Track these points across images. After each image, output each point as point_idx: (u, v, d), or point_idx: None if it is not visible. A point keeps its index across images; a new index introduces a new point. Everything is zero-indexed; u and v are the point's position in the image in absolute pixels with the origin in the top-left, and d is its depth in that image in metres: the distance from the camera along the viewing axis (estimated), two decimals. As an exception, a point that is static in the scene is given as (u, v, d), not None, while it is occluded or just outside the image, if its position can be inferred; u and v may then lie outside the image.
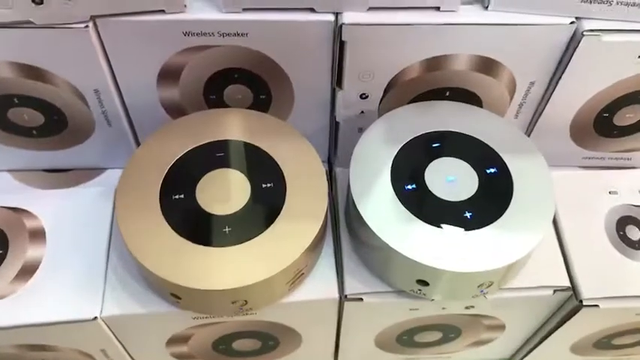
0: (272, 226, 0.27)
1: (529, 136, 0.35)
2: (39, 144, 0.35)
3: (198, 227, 0.27)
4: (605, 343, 0.36)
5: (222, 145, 0.30)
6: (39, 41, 0.28)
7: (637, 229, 0.33)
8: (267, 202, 0.28)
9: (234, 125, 0.31)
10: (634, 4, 0.28)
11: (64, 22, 0.28)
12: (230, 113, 0.32)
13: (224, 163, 0.29)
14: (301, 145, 0.30)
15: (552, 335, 0.34)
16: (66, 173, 0.37)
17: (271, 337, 0.33)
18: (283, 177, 0.29)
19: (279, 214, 0.27)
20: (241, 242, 0.27)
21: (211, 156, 0.30)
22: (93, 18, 0.28)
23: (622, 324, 0.33)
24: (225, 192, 0.28)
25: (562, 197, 0.33)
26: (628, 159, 0.38)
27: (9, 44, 0.29)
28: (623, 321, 0.32)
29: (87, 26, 0.28)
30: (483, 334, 0.35)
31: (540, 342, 0.35)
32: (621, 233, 0.32)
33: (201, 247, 0.26)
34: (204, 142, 0.30)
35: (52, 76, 0.30)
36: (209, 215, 0.27)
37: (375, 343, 0.36)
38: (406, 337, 0.35)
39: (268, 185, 0.28)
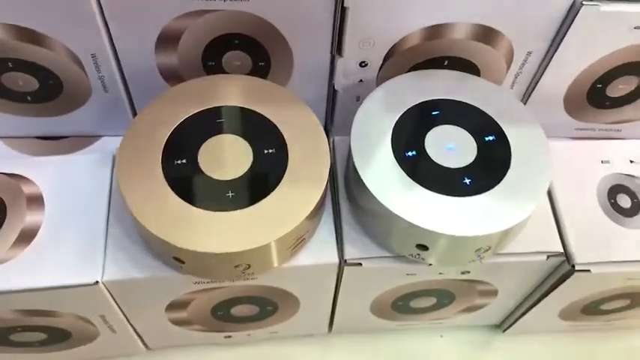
0: (275, 191, 0.27)
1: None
2: (34, 110, 0.35)
3: (201, 192, 0.27)
4: (592, 308, 0.37)
5: (223, 111, 0.30)
6: (35, 2, 0.28)
7: (628, 197, 0.33)
8: (269, 168, 0.28)
9: (234, 91, 0.31)
10: (632, -26, 0.29)
11: (61, -17, 0.27)
12: (230, 79, 0.32)
13: (225, 129, 0.29)
14: (302, 110, 0.30)
15: (543, 301, 0.35)
16: (61, 140, 0.37)
17: (270, 303, 0.34)
18: (285, 143, 0.29)
19: (281, 179, 0.28)
20: (244, 207, 0.27)
21: (212, 122, 0.29)
22: (91, -22, 0.27)
23: (612, 289, 0.34)
24: (228, 157, 0.28)
25: (556, 167, 0.34)
26: (618, 130, 0.38)
27: (4, 5, 0.28)
28: (614, 286, 0.33)
29: (85, -13, 0.27)
30: (476, 300, 0.36)
31: (530, 307, 0.36)
32: (612, 201, 0.33)
33: (204, 211, 0.27)
34: (204, 108, 0.30)
35: (48, 39, 0.30)
36: (212, 180, 0.28)
37: (371, 309, 0.36)
38: (401, 303, 0.36)
39: (270, 151, 0.29)
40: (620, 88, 0.35)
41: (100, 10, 0.29)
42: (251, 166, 0.28)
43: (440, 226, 0.27)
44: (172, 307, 0.33)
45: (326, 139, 0.29)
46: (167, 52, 0.32)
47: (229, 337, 0.38)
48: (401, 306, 0.36)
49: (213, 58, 0.33)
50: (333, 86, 0.34)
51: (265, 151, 0.29)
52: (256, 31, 0.31)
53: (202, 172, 0.28)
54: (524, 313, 0.37)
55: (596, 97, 0.35)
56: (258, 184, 0.28)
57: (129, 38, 0.31)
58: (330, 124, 0.37)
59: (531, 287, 0.35)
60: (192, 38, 0.31)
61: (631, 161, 0.35)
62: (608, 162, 0.34)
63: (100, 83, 0.33)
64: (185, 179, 0.28)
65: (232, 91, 0.31)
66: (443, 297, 0.35)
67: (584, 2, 0.29)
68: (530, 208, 0.27)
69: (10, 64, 0.31)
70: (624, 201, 0.33)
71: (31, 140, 0.37)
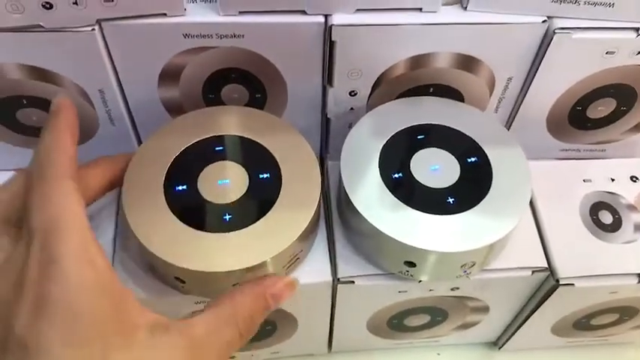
0: (269, 213, 0.29)
1: (509, 129, 0.38)
2: (45, 143, 0.37)
3: (200, 215, 0.29)
4: (584, 323, 0.38)
5: (221, 140, 0.32)
6: (47, 44, 0.30)
7: (609, 213, 0.35)
8: (264, 192, 0.30)
9: (230, 121, 0.33)
10: (600, 4, 0.31)
11: (71, 26, 0.29)
12: (227, 110, 0.34)
13: (223, 156, 0.31)
14: (294, 137, 0.32)
15: (533, 316, 0.36)
16: (71, 171, 0.39)
17: (269, 322, 0.35)
18: (279, 168, 0.31)
19: (275, 202, 0.29)
20: (241, 228, 0.29)
21: (211, 150, 0.32)
22: (99, 21, 0.30)
23: (597, 303, 0.35)
24: (225, 183, 0.30)
25: (540, 186, 0.35)
26: (602, 150, 0.40)
27: (19, 47, 0.30)
28: (598, 300, 0.35)
29: (93, 29, 0.30)
30: (469, 317, 0.37)
31: (522, 323, 0.37)
32: (595, 217, 0.35)
33: (203, 233, 0.28)
34: (203, 138, 0.32)
35: (59, 77, 0.32)
36: (210, 204, 0.29)
37: (368, 327, 0.38)
38: (396, 321, 0.37)
39: (265, 176, 0.30)
40: (599, 109, 0.36)
41: (106, 49, 0.31)
42: (247, 191, 0.30)
43: (426, 243, 0.28)
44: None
45: (317, 163, 0.31)
46: (170, 87, 0.34)
47: (233, 357, 0.40)
48: (396, 324, 0.37)
49: (212, 91, 0.35)
50: (326, 114, 0.36)
51: (260, 176, 0.30)
52: (252, 65, 0.33)
53: (201, 197, 0.30)
54: (517, 330, 0.39)
55: (577, 119, 0.37)
56: (253, 206, 0.29)
57: (134, 75, 0.33)
58: (325, 151, 0.39)
59: (521, 303, 0.36)
60: (192, 73, 0.33)
61: (612, 179, 0.36)
62: (590, 180, 0.36)
63: (107, 117, 0.35)
64: (185, 204, 0.29)
65: (229, 121, 0.33)
66: (436, 314, 0.37)
67: (556, 30, 0.31)
68: (511, 224, 0.29)
69: (24, 101, 0.34)
70: (606, 217, 0.35)
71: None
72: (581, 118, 0.37)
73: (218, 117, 0.33)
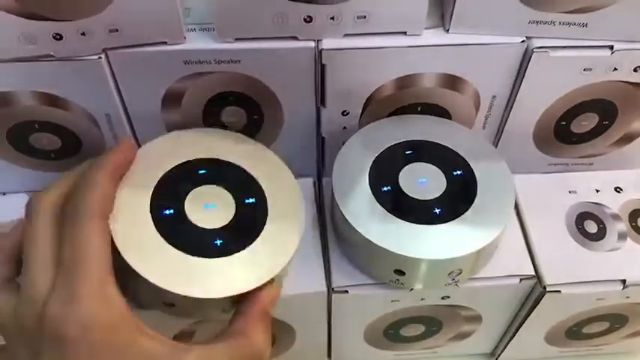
0: (259, 237, 0.30)
1: (497, 145, 0.39)
2: (56, 166, 0.39)
3: (190, 240, 0.29)
4: (575, 331, 0.39)
5: (204, 164, 0.32)
6: (58, 72, 0.32)
7: (594, 223, 0.36)
8: (251, 216, 0.31)
9: (214, 144, 0.33)
10: (574, 24, 0.32)
11: (79, 55, 0.32)
12: (209, 133, 0.34)
13: (208, 180, 0.32)
14: (277, 163, 0.33)
15: (525, 324, 0.37)
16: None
17: (268, 333, 0.37)
18: (263, 192, 0.32)
19: (263, 226, 0.30)
20: (232, 253, 0.29)
21: (195, 173, 0.32)
22: (105, 50, 0.32)
23: (586, 310, 0.36)
24: (213, 207, 0.31)
25: (527, 198, 0.37)
26: (590, 164, 0.41)
27: (32, 75, 0.33)
28: (586, 307, 0.36)
29: (100, 57, 0.32)
30: (463, 327, 0.39)
31: (515, 332, 0.38)
32: (580, 227, 0.36)
33: (194, 258, 0.29)
34: (185, 161, 0.32)
35: (68, 103, 0.34)
36: (199, 229, 0.30)
37: (365, 338, 0.39)
38: (392, 332, 0.38)
39: (251, 201, 0.31)
40: (583, 124, 0.38)
41: (112, 76, 0.33)
42: (235, 215, 0.30)
43: (413, 251, 0.30)
44: (178, 338, 0.36)
45: (298, 188, 0.32)
46: (172, 110, 0.36)
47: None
48: (392, 334, 0.39)
49: (212, 114, 0.37)
50: (321, 134, 0.38)
51: (246, 201, 0.31)
52: (249, 88, 0.35)
53: (190, 222, 0.30)
54: (511, 339, 0.39)
55: (562, 133, 0.39)
56: (244, 231, 0.30)
57: (138, 99, 0.35)
58: (321, 167, 0.41)
59: (512, 312, 0.37)
60: (193, 97, 0.36)
61: (597, 190, 0.38)
62: (575, 192, 0.37)
63: (114, 140, 0.37)
64: (174, 229, 0.29)
65: (212, 144, 0.33)
66: (430, 324, 0.38)
67: (534, 50, 0.33)
68: (495, 232, 0.30)
69: (36, 126, 0.36)
70: (591, 226, 0.36)
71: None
72: (566, 133, 0.39)
73: (200, 139, 0.34)
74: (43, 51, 0.31)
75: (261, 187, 0.32)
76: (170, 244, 0.29)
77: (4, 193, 0.41)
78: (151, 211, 0.30)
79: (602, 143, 0.40)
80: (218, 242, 0.29)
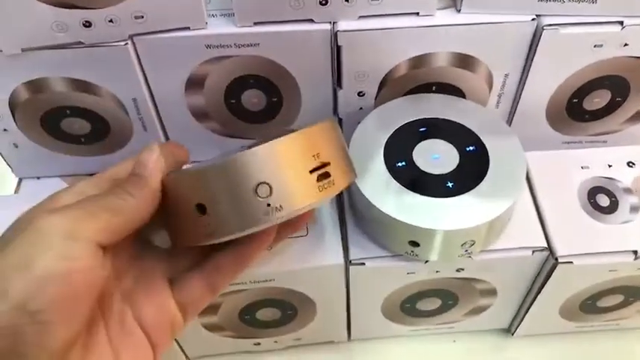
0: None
1: (510, 123, 0.40)
2: (86, 150, 0.41)
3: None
4: (590, 305, 0.39)
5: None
6: (87, 58, 0.34)
7: (606, 196, 0.37)
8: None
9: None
10: (583, 1, 0.33)
11: (107, 41, 0.34)
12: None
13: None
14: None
15: (539, 297, 0.38)
16: (109, 175, 0.43)
17: (290, 306, 0.38)
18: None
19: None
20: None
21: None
22: (131, 37, 0.34)
23: (599, 282, 0.37)
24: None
25: (539, 173, 0.38)
26: (604, 142, 0.42)
27: (63, 62, 0.35)
28: (599, 278, 0.36)
29: (126, 44, 0.34)
30: (479, 300, 0.39)
31: (529, 307, 0.39)
32: (592, 201, 0.36)
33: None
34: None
35: (97, 88, 0.36)
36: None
37: (383, 312, 0.40)
38: (409, 305, 0.39)
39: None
40: (595, 101, 0.39)
41: (138, 61, 0.35)
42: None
43: (426, 222, 0.31)
44: (203, 310, 0.37)
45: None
46: (195, 94, 0.38)
47: (258, 344, 0.43)
48: (409, 308, 0.40)
49: (233, 97, 0.38)
50: (338, 114, 0.39)
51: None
52: (268, 71, 0.37)
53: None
54: (526, 313, 0.40)
55: (575, 111, 0.39)
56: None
57: (163, 84, 0.37)
58: (339, 150, 0.42)
59: (526, 285, 0.38)
60: (215, 80, 0.37)
61: (609, 165, 0.38)
62: (587, 167, 0.38)
63: (141, 124, 0.39)
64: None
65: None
66: (447, 298, 0.39)
67: (545, 27, 0.34)
68: (506, 204, 0.31)
69: (68, 111, 0.38)
70: (603, 200, 0.37)
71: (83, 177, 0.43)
72: (578, 110, 0.39)
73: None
74: (73, 38, 0.33)
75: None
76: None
77: (38, 177, 0.43)
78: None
79: (616, 120, 0.40)
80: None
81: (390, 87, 0.38)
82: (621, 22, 0.34)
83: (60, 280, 0.22)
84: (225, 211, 0.25)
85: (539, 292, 0.37)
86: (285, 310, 0.39)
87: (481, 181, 0.32)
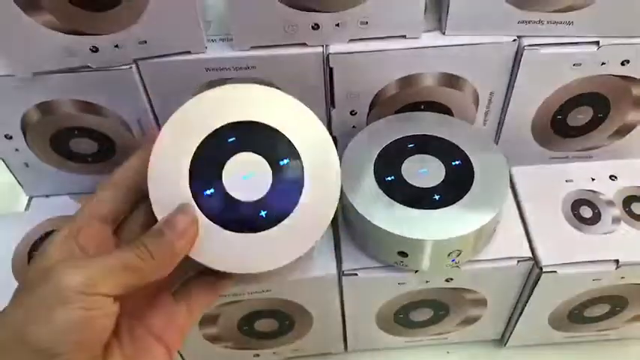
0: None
1: (498, 139, 0.42)
2: (93, 169, 0.43)
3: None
4: (578, 315, 0.40)
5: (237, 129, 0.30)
6: (94, 81, 0.36)
7: (589, 208, 0.38)
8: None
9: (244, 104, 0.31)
10: (561, 22, 0.35)
11: (113, 65, 0.36)
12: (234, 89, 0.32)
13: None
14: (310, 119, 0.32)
15: (527, 307, 0.39)
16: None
17: (287, 317, 0.40)
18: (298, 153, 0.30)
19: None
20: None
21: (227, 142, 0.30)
22: (135, 60, 0.36)
23: (584, 291, 0.38)
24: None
25: (525, 187, 0.39)
26: (589, 157, 0.43)
27: (72, 85, 0.37)
28: (583, 288, 0.37)
29: (131, 67, 0.36)
30: (469, 311, 0.41)
31: (519, 316, 0.40)
32: (576, 213, 0.38)
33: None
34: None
35: (104, 109, 0.38)
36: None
37: (377, 324, 0.41)
38: (402, 316, 0.41)
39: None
40: (579, 117, 0.40)
41: (142, 84, 0.37)
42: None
43: (413, 233, 0.33)
44: (204, 321, 0.39)
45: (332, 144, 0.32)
46: (196, 114, 0.40)
47: (257, 355, 0.44)
48: (403, 319, 0.41)
49: (232, 117, 0.40)
50: (333, 133, 0.41)
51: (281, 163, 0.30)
52: (264, 92, 0.39)
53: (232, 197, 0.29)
54: (516, 323, 0.41)
55: (560, 127, 0.41)
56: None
57: (166, 105, 0.39)
58: (334, 166, 0.44)
59: (514, 295, 0.39)
60: (214, 101, 0.39)
61: (592, 179, 0.40)
62: (572, 180, 0.40)
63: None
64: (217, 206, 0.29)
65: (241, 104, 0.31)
66: (438, 308, 0.40)
67: (525, 47, 0.36)
68: (489, 216, 0.33)
69: (76, 132, 0.40)
70: (586, 212, 0.38)
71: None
72: (563, 127, 0.41)
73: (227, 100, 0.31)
74: (81, 62, 0.36)
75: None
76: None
77: (47, 196, 0.45)
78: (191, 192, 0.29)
79: (600, 136, 0.42)
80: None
81: (381, 106, 0.39)
82: (597, 42, 0.35)
83: (79, 328, 0.25)
84: None
85: (527, 301, 0.39)
86: (282, 321, 0.40)
87: (466, 194, 0.34)
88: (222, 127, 0.30)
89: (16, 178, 0.43)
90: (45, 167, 0.42)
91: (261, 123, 0.31)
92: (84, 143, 0.41)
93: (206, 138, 0.30)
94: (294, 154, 0.30)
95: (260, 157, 0.30)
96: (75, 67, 0.36)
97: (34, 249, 0.40)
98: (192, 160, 0.30)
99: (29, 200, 0.45)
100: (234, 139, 0.30)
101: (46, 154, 0.41)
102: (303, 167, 0.30)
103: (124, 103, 0.38)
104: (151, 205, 0.29)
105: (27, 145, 0.40)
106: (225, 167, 0.30)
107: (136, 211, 0.31)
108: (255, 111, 0.31)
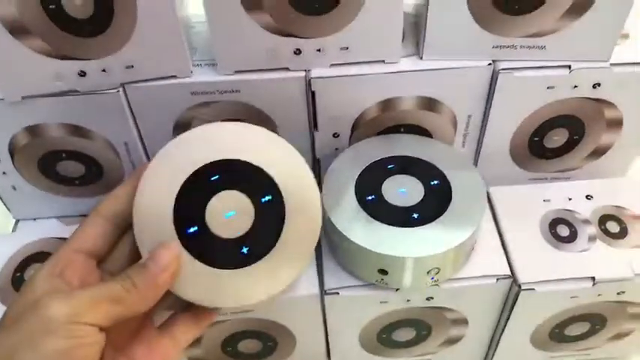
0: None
1: (477, 161, 0.43)
2: (81, 192, 0.44)
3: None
4: (558, 334, 0.41)
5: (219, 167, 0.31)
6: (82, 105, 0.37)
7: (566, 227, 0.39)
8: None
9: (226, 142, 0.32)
10: (534, 47, 0.36)
11: (100, 89, 0.37)
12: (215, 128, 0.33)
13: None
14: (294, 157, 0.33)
15: (508, 326, 0.39)
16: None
17: (270, 338, 0.40)
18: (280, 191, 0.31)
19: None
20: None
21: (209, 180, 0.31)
22: (122, 85, 0.37)
23: (563, 310, 0.38)
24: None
25: (504, 206, 0.40)
26: (567, 178, 0.44)
27: (60, 109, 0.38)
28: (562, 306, 0.38)
29: (118, 91, 0.37)
30: (451, 330, 0.41)
31: (500, 336, 0.41)
32: (553, 231, 0.39)
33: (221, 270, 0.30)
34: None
35: (91, 133, 0.39)
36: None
37: (361, 344, 0.42)
38: (385, 336, 0.41)
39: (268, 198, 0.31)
40: (555, 139, 0.41)
41: (129, 107, 0.38)
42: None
43: (393, 251, 0.33)
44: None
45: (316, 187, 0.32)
46: (182, 137, 0.41)
47: (241, 376, 0.44)
48: (385, 339, 0.41)
49: (218, 140, 0.41)
50: (316, 155, 0.42)
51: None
52: (249, 115, 0.40)
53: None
54: (498, 343, 0.42)
55: (536, 149, 0.42)
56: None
57: (152, 128, 0.40)
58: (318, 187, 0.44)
59: (495, 314, 0.40)
60: (199, 124, 0.39)
61: (569, 199, 0.41)
62: (549, 200, 0.40)
63: (132, 166, 0.42)
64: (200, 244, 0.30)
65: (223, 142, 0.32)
66: (420, 328, 0.41)
67: (500, 71, 0.37)
68: (466, 234, 0.34)
69: (63, 155, 0.41)
70: (563, 230, 0.39)
71: (79, 219, 0.45)
72: (540, 148, 0.42)
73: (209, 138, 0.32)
74: (69, 87, 0.36)
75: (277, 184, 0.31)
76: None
77: (34, 219, 0.46)
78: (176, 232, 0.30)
79: (576, 157, 0.43)
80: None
81: (363, 128, 0.40)
82: (569, 66, 0.37)
83: (65, 357, 0.26)
84: None
85: (507, 320, 0.39)
86: (265, 342, 0.40)
87: (444, 212, 0.35)
88: (206, 165, 0.31)
89: (2, 201, 0.44)
90: (32, 190, 0.43)
91: (243, 161, 0.32)
92: (71, 166, 0.42)
93: (190, 177, 0.31)
94: (275, 191, 0.31)
95: (242, 194, 0.31)
96: (63, 91, 0.37)
97: (19, 270, 0.41)
98: (176, 199, 0.31)
99: (16, 223, 0.45)
100: (217, 177, 0.31)
101: (34, 177, 0.42)
102: (284, 204, 0.31)
103: (112, 126, 0.39)
104: (134, 236, 0.30)
105: (14, 168, 0.41)
106: (208, 205, 0.31)
107: (120, 243, 0.32)
108: (237, 149, 0.32)
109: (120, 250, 0.32)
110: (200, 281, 0.30)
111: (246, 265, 0.30)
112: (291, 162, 0.32)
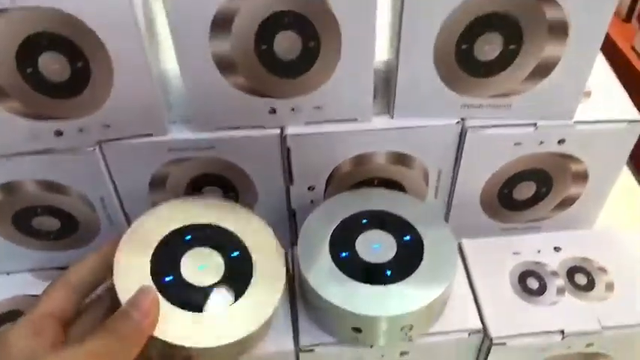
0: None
1: (449, 213, 0.44)
2: (55, 246, 0.44)
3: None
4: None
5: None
6: (58, 162, 0.38)
7: (536, 280, 0.40)
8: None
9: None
10: (500, 106, 0.38)
11: (77, 147, 0.37)
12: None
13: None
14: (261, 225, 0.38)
15: (482, 379, 0.40)
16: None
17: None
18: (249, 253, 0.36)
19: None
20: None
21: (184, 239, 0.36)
22: (99, 142, 0.37)
23: (533, 362, 0.39)
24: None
25: (475, 259, 0.41)
26: (538, 228, 0.46)
27: (36, 166, 0.38)
28: (533, 357, 0.39)
29: (94, 149, 0.37)
30: (426, 384, 0.41)
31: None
32: (523, 284, 0.40)
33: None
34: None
35: (67, 188, 0.39)
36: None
37: (336, 398, 0.42)
38: (361, 391, 0.41)
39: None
40: (524, 192, 0.43)
41: (105, 164, 0.39)
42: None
43: (366, 309, 0.34)
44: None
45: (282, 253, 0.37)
46: (158, 192, 0.41)
47: None
48: (361, 393, 0.41)
49: (193, 193, 0.42)
50: (292, 207, 0.43)
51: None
52: (225, 170, 0.40)
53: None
54: (473, 396, 0.42)
55: (506, 201, 0.43)
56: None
57: (128, 184, 0.40)
58: (294, 238, 0.45)
59: (469, 366, 0.41)
60: (176, 179, 0.40)
61: (538, 251, 0.42)
62: (519, 253, 0.41)
63: (108, 220, 0.42)
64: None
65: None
66: (395, 382, 0.41)
67: (468, 129, 0.38)
68: (438, 291, 0.34)
69: (38, 210, 0.41)
70: (533, 283, 0.40)
71: (52, 271, 0.45)
72: (509, 200, 0.43)
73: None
74: (45, 145, 0.37)
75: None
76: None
77: (7, 273, 0.45)
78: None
79: (545, 208, 0.44)
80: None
81: (337, 182, 0.41)
82: (535, 124, 0.38)
83: None
84: None
85: (481, 374, 0.40)
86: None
87: (416, 269, 0.35)
88: (179, 228, 0.36)
89: (-24, 256, 0.43)
90: (6, 245, 0.43)
91: (215, 225, 0.37)
92: (47, 221, 0.42)
93: (165, 236, 0.36)
94: (243, 249, 0.36)
95: (213, 250, 0.36)
96: (39, 150, 0.37)
97: (-8, 327, 0.40)
98: (152, 255, 0.35)
99: (-11, 277, 0.45)
100: (189, 237, 0.36)
101: (8, 232, 0.42)
102: (252, 259, 0.36)
103: (88, 182, 0.39)
104: (101, 300, 0.33)
105: (-12, 224, 0.41)
106: (182, 258, 0.35)
107: (88, 308, 0.33)
108: (210, 215, 0.37)
109: (88, 315, 0.33)
110: (176, 323, 0.32)
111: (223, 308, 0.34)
112: (258, 228, 0.38)
